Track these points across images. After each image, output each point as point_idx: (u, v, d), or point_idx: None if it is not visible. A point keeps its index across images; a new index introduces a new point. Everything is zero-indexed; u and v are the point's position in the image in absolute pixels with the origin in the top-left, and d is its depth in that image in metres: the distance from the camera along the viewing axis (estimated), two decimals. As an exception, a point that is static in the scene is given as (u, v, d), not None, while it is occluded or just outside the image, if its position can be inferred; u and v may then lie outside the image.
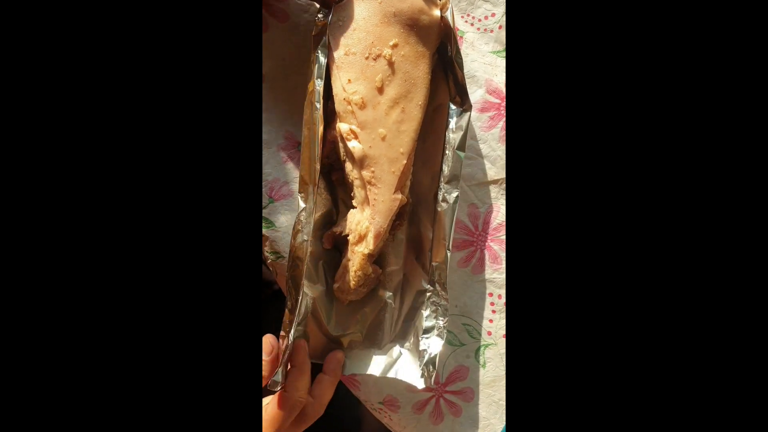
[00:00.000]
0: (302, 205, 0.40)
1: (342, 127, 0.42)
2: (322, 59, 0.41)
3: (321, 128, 0.41)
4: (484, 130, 0.47)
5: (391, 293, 0.45)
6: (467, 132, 0.42)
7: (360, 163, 0.41)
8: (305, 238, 0.39)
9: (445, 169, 0.42)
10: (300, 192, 0.40)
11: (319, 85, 0.41)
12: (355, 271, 0.42)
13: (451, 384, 0.46)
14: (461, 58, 0.42)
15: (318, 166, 0.40)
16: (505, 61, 0.47)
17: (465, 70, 0.47)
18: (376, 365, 0.44)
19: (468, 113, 0.42)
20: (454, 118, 0.43)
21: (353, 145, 0.41)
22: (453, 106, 0.43)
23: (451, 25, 0.42)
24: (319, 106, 0.40)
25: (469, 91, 0.47)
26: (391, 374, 0.43)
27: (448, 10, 0.42)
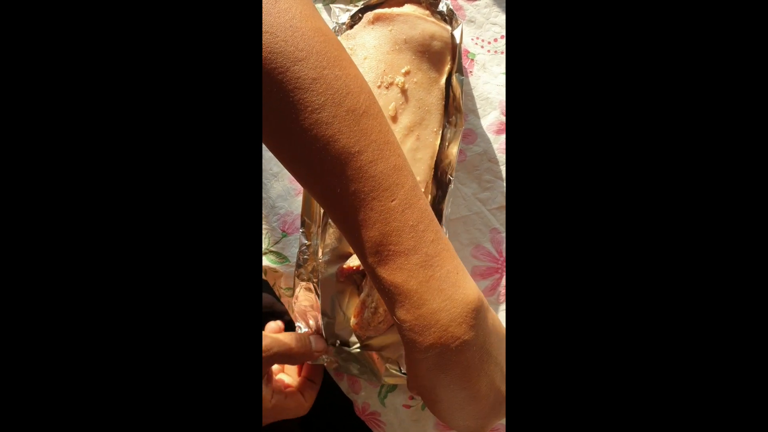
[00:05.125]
0: (305, 241, 0.41)
1: (356, 157, 0.41)
2: None
3: None
4: (502, 152, 0.45)
5: None
6: (456, 155, 0.41)
7: (376, 193, 0.40)
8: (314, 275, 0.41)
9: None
10: (302, 228, 0.41)
11: None
12: (375, 307, 0.41)
13: (482, 420, 0.43)
14: (463, 77, 0.41)
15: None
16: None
17: (477, 93, 0.46)
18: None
19: (460, 132, 0.41)
20: (447, 138, 0.42)
21: (369, 175, 0.40)
22: (447, 125, 0.42)
23: (459, 43, 0.41)
24: None
25: (483, 113, 0.46)
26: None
27: (457, 30, 0.41)
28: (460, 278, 0.30)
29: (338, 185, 0.29)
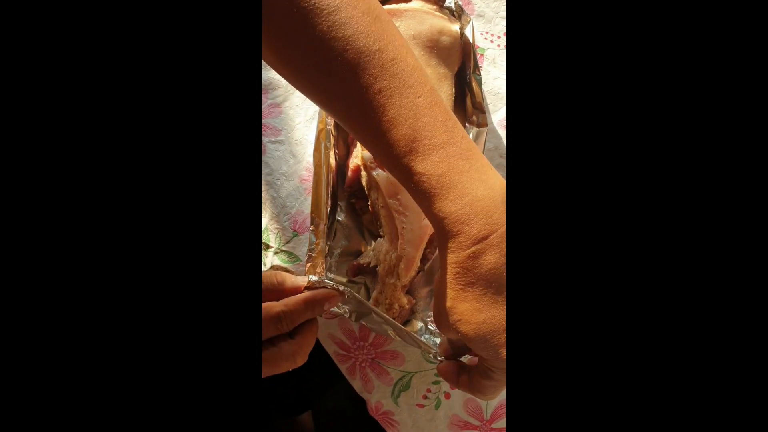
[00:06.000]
0: (314, 240, 0.40)
1: (365, 155, 0.40)
2: None
3: (333, 161, 0.41)
4: (513, 149, 0.45)
5: (422, 324, 0.43)
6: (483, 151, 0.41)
7: (386, 191, 0.40)
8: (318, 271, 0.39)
9: None
10: (311, 227, 0.40)
11: (330, 123, 0.41)
12: (390, 303, 0.40)
13: (497, 420, 0.43)
14: (480, 76, 0.41)
15: (328, 206, 0.40)
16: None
17: (487, 88, 0.46)
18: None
19: (485, 132, 0.41)
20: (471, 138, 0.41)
21: (378, 173, 0.40)
22: (468, 126, 0.41)
23: (471, 41, 0.40)
24: (330, 144, 0.41)
25: (494, 108, 0.46)
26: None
27: (468, 27, 0.41)
28: (493, 171, 0.31)
29: (363, 86, 0.29)
